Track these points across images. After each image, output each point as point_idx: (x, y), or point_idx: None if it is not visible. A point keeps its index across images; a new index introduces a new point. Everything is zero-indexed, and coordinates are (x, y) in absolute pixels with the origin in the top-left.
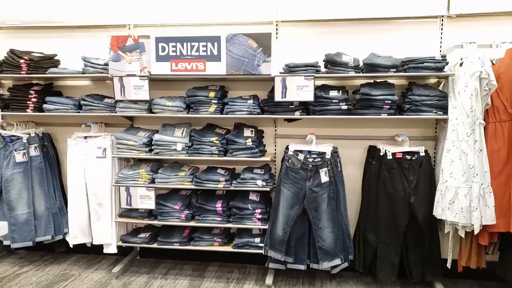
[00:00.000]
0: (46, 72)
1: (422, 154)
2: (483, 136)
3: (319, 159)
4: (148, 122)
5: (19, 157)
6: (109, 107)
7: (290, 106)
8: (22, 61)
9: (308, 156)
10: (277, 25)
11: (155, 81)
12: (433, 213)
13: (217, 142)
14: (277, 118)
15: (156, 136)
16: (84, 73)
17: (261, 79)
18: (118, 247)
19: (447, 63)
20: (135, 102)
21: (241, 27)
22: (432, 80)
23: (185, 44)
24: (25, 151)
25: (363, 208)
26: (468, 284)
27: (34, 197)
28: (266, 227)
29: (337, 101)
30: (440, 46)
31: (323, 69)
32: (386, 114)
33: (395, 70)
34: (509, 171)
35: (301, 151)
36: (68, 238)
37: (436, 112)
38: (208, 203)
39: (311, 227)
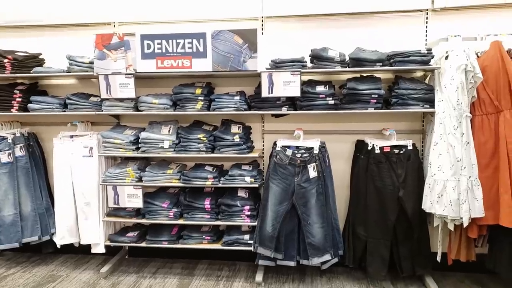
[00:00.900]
0: (31, 72)
1: (410, 147)
2: (470, 128)
3: (307, 155)
4: (134, 120)
5: (4, 157)
6: (95, 105)
7: (277, 102)
8: (6, 60)
9: (296, 151)
10: (262, 21)
11: (141, 79)
12: (422, 207)
13: (205, 139)
14: (264, 114)
15: (143, 134)
16: (69, 72)
17: (248, 75)
18: (106, 246)
19: (432, 57)
20: (121, 100)
21: (227, 23)
22: (418, 74)
23: (170, 41)
24: (10, 151)
25: (352, 202)
26: (458, 276)
27: (20, 198)
28: (255, 223)
29: (324, 96)
30: (426, 40)
31: (309, 64)
32: (373, 108)
33: (381, 64)
34: (496, 163)
35: (289, 147)
36: (55, 239)
37: (423, 106)
38: (196, 201)
39: (300, 223)
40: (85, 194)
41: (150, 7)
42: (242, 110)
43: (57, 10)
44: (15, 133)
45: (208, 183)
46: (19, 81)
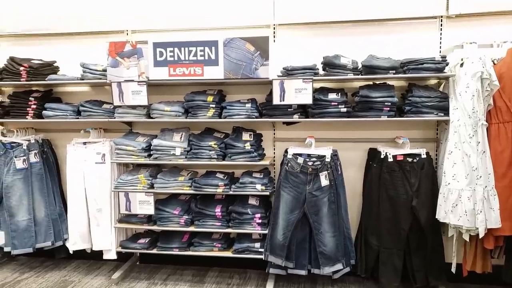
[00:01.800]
0: (46, 79)
1: (424, 156)
2: (486, 137)
3: (318, 163)
4: (146, 127)
5: (19, 163)
6: (108, 112)
7: (289, 109)
8: (22, 68)
9: (307, 159)
10: (274, 28)
11: (153, 86)
12: (436, 216)
13: (216, 146)
14: (275, 121)
15: (155, 141)
16: (83, 79)
17: (259, 82)
18: (118, 253)
19: (447, 64)
20: (134, 107)
21: (239, 31)
22: (432, 81)
23: (182, 49)
24: (25, 157)
25: (364, 211)
26: None
27: (34, 203)
28: (266, 231)
29: (336, 103)
30: (440, 47)
31: (321, 71)
32: (386, 116)
33: (394, 71)
34: None
35: (300, 155)
36: (68, 244)
37: (437, 114)
38: (207, 208)
39: (312, 231)
40: (97, 200)
41: (162, 15)
42: (253, 118)
43: (71, 18)
44: (29, 140)
45: (219, 190)
46: (34, 88)
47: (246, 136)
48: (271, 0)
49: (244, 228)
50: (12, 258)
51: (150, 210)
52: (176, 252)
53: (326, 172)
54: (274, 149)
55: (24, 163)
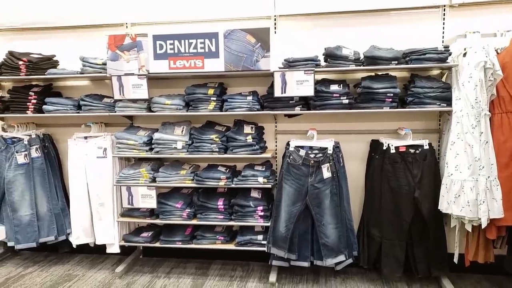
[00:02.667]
0: (45, 73)
1: (426, 147)
2: (489, 127)
3: (320, 155)
4: (147, 121)
5: (20, 158)
6: (109, 106)
7: (290, 102)
8: (21, 62)
9: (309, 151)
10: (275, 20)
11: (154, 80)
12: (439, 207)
13: (217, 139)
14: (277, 114)
15: (156, 135)
16: (83, 73)
17: (260, 74)
18: (121, 246)
19: (450, 54)
20: (134, 101)
21: (239, 23)
22: (435, 72)
23: (182, 41)
24: (26, 152)
25: (366, 203)
26: (475, 278)
27: (37, 198)
28: (268, 224)
29: (338, 95)
30: (443, 37)
31: (323, 63)
32: (388, 107)
33: (396, 62)
34: None
35: (302, 147)
36: (71, 239)
37: (439, 104)
38: (209, 201)
39: (314, 223)
40: (99, 194)
41: (162, 7)
42: (255, 110)
43: (70, 12)
44: (31, 135)
45: (221, 183)
46: (34, 83)
47: (247, 129)
48: None
49: (247, 221)
50: (16, 252)
51: (152, 204)
52: (179, 245)
53: (328, 164)
54: (276, 142)
55: (25, 158)
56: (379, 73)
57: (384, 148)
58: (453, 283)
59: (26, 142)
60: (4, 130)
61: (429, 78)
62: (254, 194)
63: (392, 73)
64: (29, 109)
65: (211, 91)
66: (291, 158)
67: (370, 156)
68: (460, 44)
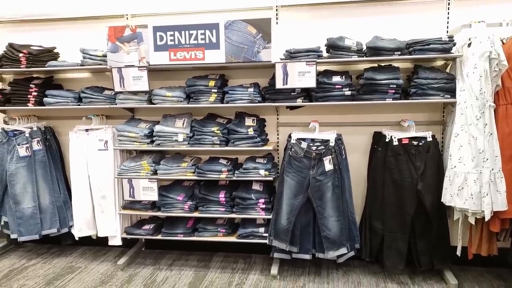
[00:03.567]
0: (46, 65)
1: (429, 139)
2: (493, 119)
3: (322, 147)
4: (148, 113)
5: (22, 151)
6: (109, 99)
7: (292, 93)
8: (21, 55)
9: (311, 144)
10: (277, 10)
11: (154, 71)
12: (442, 200)
13: (218, 132)
14: (279, 106)
15: (157, 127)
16: (83, 65)
17: (262, 66)
18: (123, 239)
19: (454, 44)
20: (135, 93)
21: (240, 13)
22: (439, 62)
23: (183, 32)
24: (28, 145)
25: (369, 195)
26: (479, 271)
27: (39, 191)
28: (270, 216)
29: (340, 86)
30: (447, 27)
31: (325, 54)
32: (391, 99)
33: (399, 53)
34: None
35: (304, 139)
36: (73, 231)
37: (443, 96)
38: (211, 194)
39: (316, 216)
40: (101, 187)
41: None
42: (256, 102)
43: (70, 3)
44: (32, 127)
45: (223, 176)
46: (34, 75)
47: (249, 121)
48: None
49: (248, 213)
50: (19, 245)
51: (153, 196)
52: (180, 237)
53: (330, 156)
54: (278, 134)
55: (27, 150)
56: (382, 64)
57: (387, 140)
58: (456, 276)
59: (27, 135)
60: (5, 122)
61: (433, 69)
62: (256, 186)
63: (395, 64)
64: (30, 102)
65: (212, 83)
66: (293, 150)
67: (373, 148)
68: (465, 34)
